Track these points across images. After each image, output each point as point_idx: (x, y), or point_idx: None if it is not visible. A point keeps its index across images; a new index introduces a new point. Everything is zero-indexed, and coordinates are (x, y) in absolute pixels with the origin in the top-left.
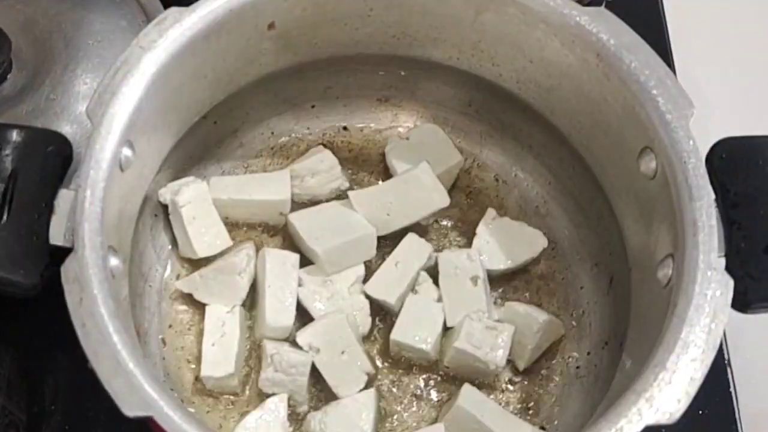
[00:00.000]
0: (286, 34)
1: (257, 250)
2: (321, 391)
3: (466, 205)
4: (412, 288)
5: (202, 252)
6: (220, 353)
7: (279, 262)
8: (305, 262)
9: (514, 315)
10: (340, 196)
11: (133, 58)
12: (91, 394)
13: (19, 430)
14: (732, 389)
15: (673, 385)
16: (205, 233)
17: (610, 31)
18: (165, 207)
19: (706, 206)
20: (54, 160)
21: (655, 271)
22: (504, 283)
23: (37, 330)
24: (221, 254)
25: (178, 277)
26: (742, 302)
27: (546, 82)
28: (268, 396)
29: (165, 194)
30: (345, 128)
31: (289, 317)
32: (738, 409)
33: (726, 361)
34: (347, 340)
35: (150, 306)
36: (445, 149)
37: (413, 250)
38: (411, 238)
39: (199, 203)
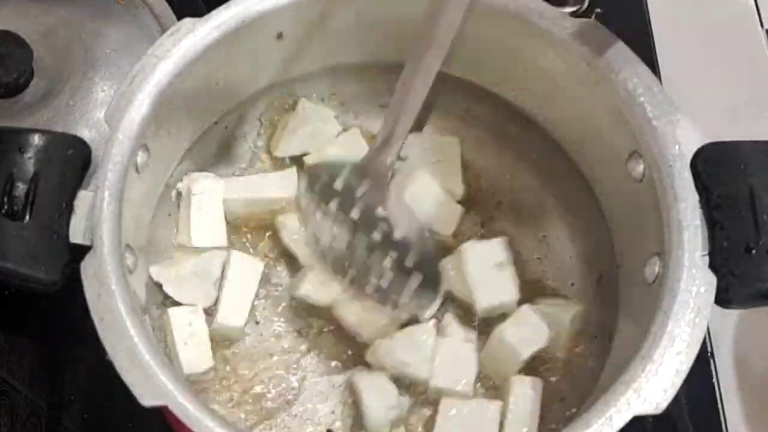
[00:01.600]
0: (294, 43)
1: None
2: None
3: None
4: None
5: (197, 242)
6: (194, 350)
7: (243, 265)
8: None
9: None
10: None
11: (149, 67)
12: (108, 384)
13: (41, 419)
14: (715, 380)
15: (659, 377)
16: (205, 226)
17: (600, 41)
18: (179, 206)
19: (690, 208)
20: (74, 162)
21: (643, 269)
22: None
23: (58, 324)
24: (201, 255)
25: None
26: (724, 299)
27: (540, 90)
28: None
29: (184, 182)
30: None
31: (239, 319)
32: (721, 398)
33: (709, 354)
34: None
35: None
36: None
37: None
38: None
39: (210, 197)
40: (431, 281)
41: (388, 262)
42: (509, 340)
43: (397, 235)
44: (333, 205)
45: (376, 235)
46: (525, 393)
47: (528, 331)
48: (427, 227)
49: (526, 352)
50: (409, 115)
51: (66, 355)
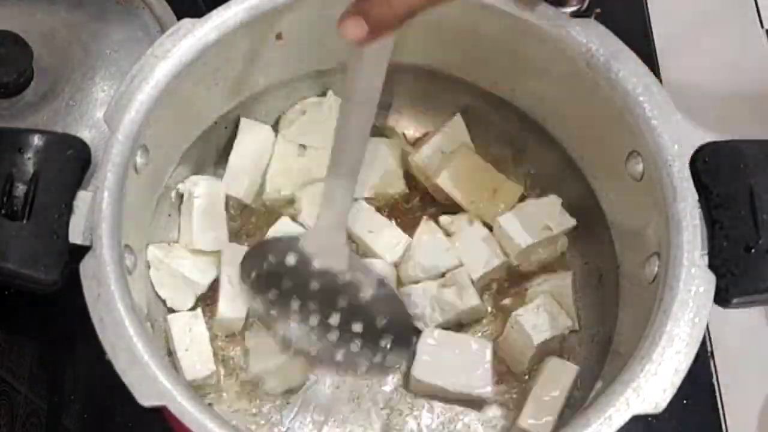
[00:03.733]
0: (293, 44)
1: None
2: None
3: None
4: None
5: (198, 244)
6: (196, 356)
7: (238, 257)
8: None
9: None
10: None
11: (148, 67)
12: (108, 384)
13: (41, 419)
14: (715, 380)
15: (658, 376)
16: (208, 229)
17: (600, 41)
18: (178, 207)
19: (690, 207)
20: (73, 163)
21: (642, 268)
22: (496, 282)
23: (58, 324)
24: (200, 259)
25: None
26: (723, 298)
27: (539, 89)
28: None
29: (186, 185)
30: None
31: (240, 309)
32: (721, 398)
33: (709, 353)
34: None
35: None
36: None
37: None
38: None
39: (211, 200)
40: (403, 338)
41: (358, 328)
42: (524, 325)
43: (364, 295)
44: (286, 283)
45: (342, 302)
46: (555, 376)
47: (544, 318)
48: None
49: (538, 338)
50: (350, 179)
51: (66, 355)
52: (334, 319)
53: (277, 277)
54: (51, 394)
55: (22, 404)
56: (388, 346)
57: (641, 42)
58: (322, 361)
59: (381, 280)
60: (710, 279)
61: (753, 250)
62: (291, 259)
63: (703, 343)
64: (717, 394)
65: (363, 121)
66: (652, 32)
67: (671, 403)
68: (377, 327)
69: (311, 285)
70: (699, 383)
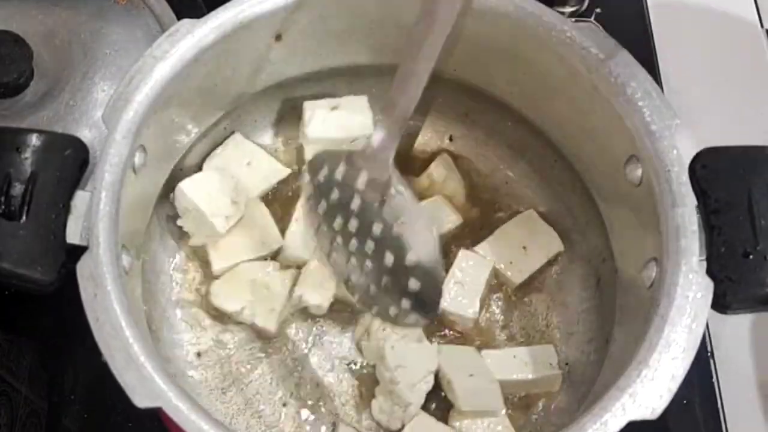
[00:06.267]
0: (293, 45)
1: None
2: None
3: (463, 207)
4: None
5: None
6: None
7: None
8: None
9: None
10: None
11: (147, 68)
12: (108, 384)
13: (40, 419)
14: (715, 380)
15: (655, 382)
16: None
17: (599, 45)
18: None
19: (688, 212)
20: (72, 163)
21: (640, 273)
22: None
23: (58, 324)
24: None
25: (186, 278)
26: (721, 304)
27: (538, 92)
28: None
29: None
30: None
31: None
32: (721, 398)
33: (709, 354)
34: None
35: (161, 301)
36: None
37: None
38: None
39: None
40: (428, 294)
41: (388, 261)
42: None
43: (397, 230)
44: (334, 196)
45: (376, 229)
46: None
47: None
48: (436, 225)
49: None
50: (410, 103)
51: (66, 355)
52: (369, 247)
53: (328, 189)
54: (51, 394)
55: (22, 404)
56: (417, 288)
57: (641, 46)
58: (357, 290)
59: (426, 223)
60: (708, 285)
61: (751, 256)
62: (341, 171)
63: (703, 344)
64: (717, 394)
65: (435, 47)
66: (652, 32)
67: (671, 404)
68: (406, 265)
69: (354, 203)
70: (699, 383)
